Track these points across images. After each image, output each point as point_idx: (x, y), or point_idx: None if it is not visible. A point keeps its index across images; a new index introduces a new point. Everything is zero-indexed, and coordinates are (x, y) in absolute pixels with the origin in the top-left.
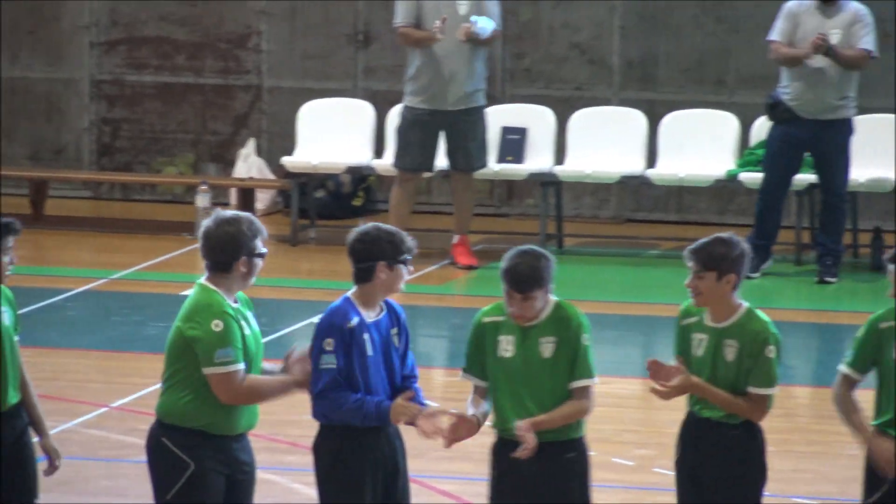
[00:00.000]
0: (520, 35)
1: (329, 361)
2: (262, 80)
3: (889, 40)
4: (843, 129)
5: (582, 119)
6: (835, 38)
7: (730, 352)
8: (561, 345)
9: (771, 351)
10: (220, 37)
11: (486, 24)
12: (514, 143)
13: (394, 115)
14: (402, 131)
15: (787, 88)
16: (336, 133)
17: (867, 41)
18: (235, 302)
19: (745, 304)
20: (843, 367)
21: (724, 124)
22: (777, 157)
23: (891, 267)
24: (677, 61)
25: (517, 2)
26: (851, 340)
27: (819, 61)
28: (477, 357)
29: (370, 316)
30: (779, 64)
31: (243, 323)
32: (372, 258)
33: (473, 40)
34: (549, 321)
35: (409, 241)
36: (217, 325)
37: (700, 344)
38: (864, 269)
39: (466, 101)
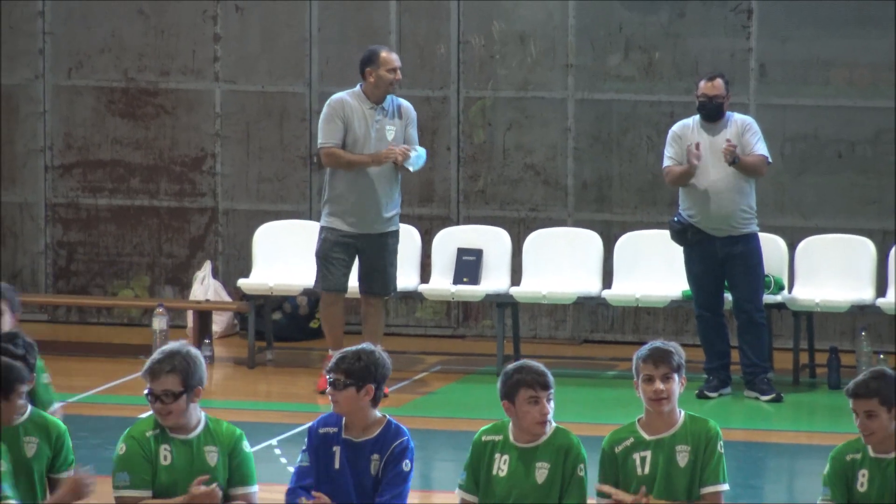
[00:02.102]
0: (474, 157)
1: (302, 459)
2: (217, 203)
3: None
4: (753, 243)
5: (537, 240)
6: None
7: (682, 458)
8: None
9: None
10: (174, 159)
11: (419, 159)
12: (469, 265)
13: None
14: (325, 253)
15: (687, 208)
16: (292, 255)
17: (760, 146)
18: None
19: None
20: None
21: (677, 245)
22: (702, 278)
23: (850, 401)
24: (631, 182)
25: (472, 125)
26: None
27: (719, 175)
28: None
29: (350, 434)
30: (674, 185)
31: (163, 450)
32: (363, 381)
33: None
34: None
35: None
36: (120, 449)
37: (644, 462)
38: (822, 389)
39: (387, 225)
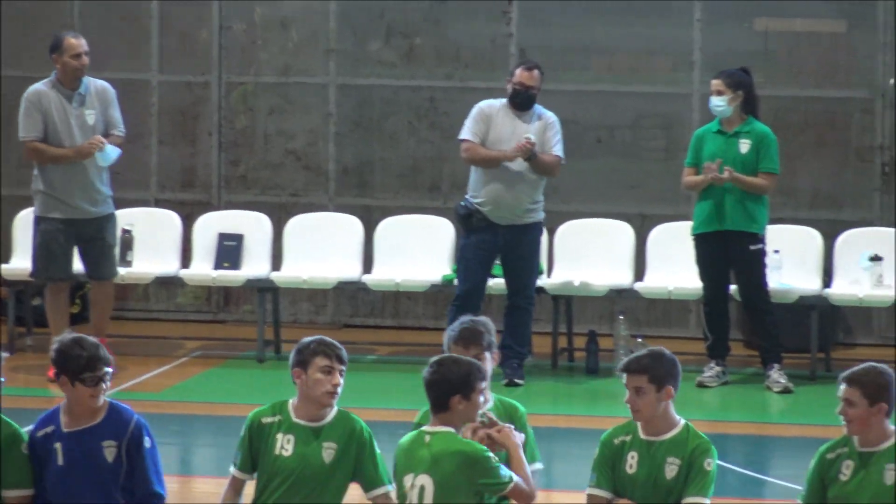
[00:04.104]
0: (235, 142)
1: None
2: None
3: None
4: (536, 233)
5: (298, 225)
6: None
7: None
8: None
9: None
10: None
11: (112, 153)
12: (230, 250)
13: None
14: (45, 242)
15: (479, 195)
16: None
17: (559, 148)
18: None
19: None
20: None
21: (438, 229)
22: (474, 265)
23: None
24: (392, 167)
25: (233, 110)
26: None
27: (518, 165)
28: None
29: (72, 424)
30: (472, 163)
31: None
32: (58, 371)
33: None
34: None
35: (89, 356)
36: None
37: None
38: (580, 373)
39: (103, 209)
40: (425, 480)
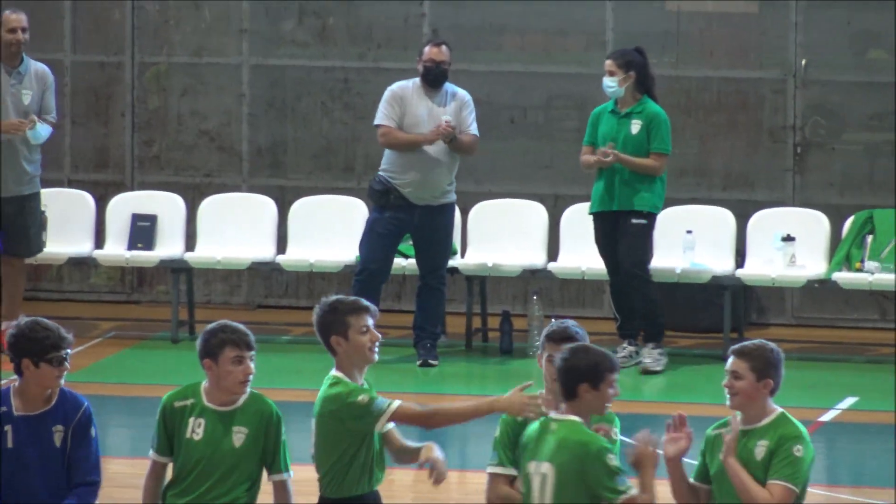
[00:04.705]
0: (148, 122)
1: None
2: None
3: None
4: (450, 213)
5: (212, 206)
6: (445, 121)
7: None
8: None
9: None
10: None
11: (43, 132)
12: (144, 231)
13: None
14: None
15: (395, 173)
16: None
17: (474, 126)
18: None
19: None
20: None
21: (352, 209)
22: (381, 241)
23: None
24: (306, 148)
25: (147, 91)
26: None
27: (436, 147)
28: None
29: (24, 408)
30: (391, 148)
31: None
32: (16, 354)
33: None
34: None
35: (55, 336)
36: None
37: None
38: (494, 353)
39: (24, 189)
40: (547, 468)
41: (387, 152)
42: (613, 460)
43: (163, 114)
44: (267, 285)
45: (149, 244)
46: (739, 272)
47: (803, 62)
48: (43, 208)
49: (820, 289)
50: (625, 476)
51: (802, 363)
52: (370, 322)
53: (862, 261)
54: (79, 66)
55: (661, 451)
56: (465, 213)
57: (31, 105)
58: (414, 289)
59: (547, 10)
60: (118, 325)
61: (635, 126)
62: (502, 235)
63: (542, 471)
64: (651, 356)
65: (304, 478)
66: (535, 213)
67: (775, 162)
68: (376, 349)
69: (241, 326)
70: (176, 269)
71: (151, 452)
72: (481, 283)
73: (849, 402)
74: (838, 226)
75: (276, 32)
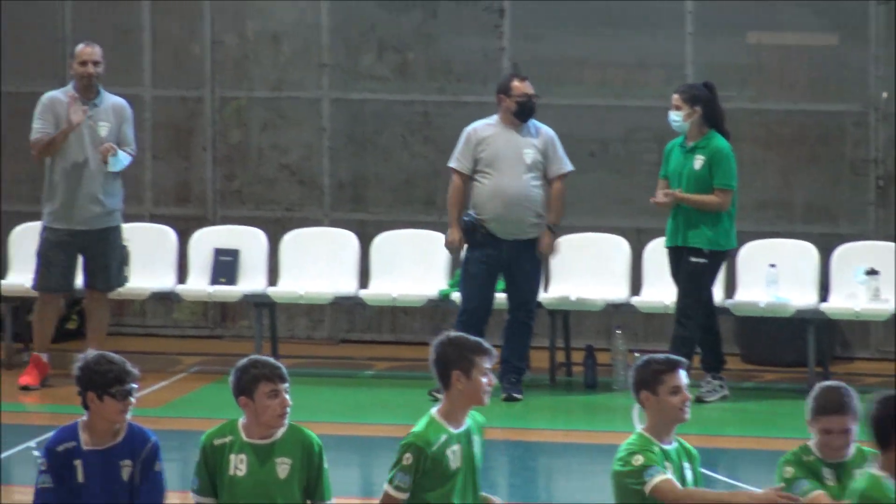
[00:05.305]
0: (229, 156)
1: (43, 481)
2: None
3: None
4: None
5: (294, 240)
6: (529, 156)
7: None
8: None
9: None
10: None
11: (123, 160)
12: (226, 265)
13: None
14: (44, 252)
15: (480, 208)
16: None
17: (566, 161)
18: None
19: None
20: None
21: (434, 244)
22: (479, 280)
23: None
24: (386, 182)
25: (227, 125)
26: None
27: (519, 181)
28: None
29: (93, 443)
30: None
31: None
32: (82, 388)
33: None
34: None
35: (118, 370)
36: None
37: None
38: (578, 387)
39: (107, 221)
40: None
41: (473, 188)
42: None
43: (243, 148)
44: (350, 319)
45: (231, 279)
46: (823, 306)
47: (884, 95)
48: (125, 243)
49: None
50: None
51: None
52: (488, 365)
53: None
54: (159, 100)
55: None
56: None
57: (108, 137)
58: (499, 323)
59: (627, 43)
60: (201, 359)
61: (698, 161)
62: (585, 269)
63: None
64: (708, 385)
65: None
66: (617, 247)
67: (857, 195)
68: (489, 392)
69: (272, 360)
70: (259, 304)
71: (193, 496)
72: (564, 318)
73: None
74: None
75: (356, 66)
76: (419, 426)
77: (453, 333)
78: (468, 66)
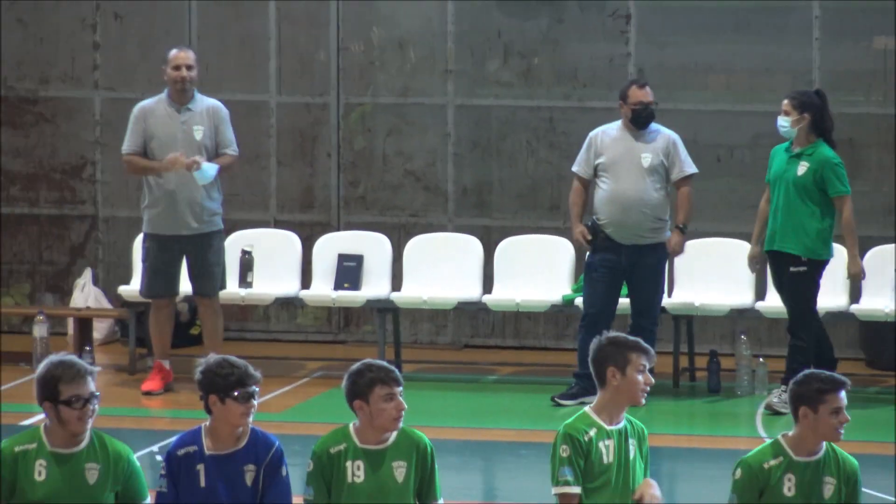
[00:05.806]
0: (354, 163)
1: (161, 485)
2: (97, 210)
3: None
4: (660, 254)
5: (418, 245)
6: (648, 161)
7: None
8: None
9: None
10: (54, 167)
11: (209, 171)
12: (350, 271)
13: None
14: (148, 259)
15: (599, 213)
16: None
17: (689, 163)
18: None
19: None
20: None
21: (558, 249)
22: (601, 285)
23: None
24: (511, 187)
25: (352, 131)
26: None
27: (636, 185)
28: None
29: (216, 448)
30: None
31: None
32: (204, 391)
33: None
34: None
35: (241, 372)
36: None
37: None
38: (702, 393)
39: (209, 226)
40: None
41: (594, 191)
42: None
43: (368, 154)
44: (473, 325)
45: (355, 284)
46: None
47: None
48: (249, 248)
49: None
50: None
51: None
52: (646, 364)
53: None
54: (284, 107)
55: None
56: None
57: (204, 140)
58: (622, 328)
59: (753, 48)
60: (325, 364)
61: (802, 168)
62: (709, 275)
63: None
64: (780, 397)
65: None
66: (741, 252)
67: None
68: (647, 392)
69: (386, 364)
70: (382, 310)
71: None
72: (688, 323)
73: None
74: None
75: (481, 72)
76: (570, 419)
77: (614, 333)
78: (593, 72)
